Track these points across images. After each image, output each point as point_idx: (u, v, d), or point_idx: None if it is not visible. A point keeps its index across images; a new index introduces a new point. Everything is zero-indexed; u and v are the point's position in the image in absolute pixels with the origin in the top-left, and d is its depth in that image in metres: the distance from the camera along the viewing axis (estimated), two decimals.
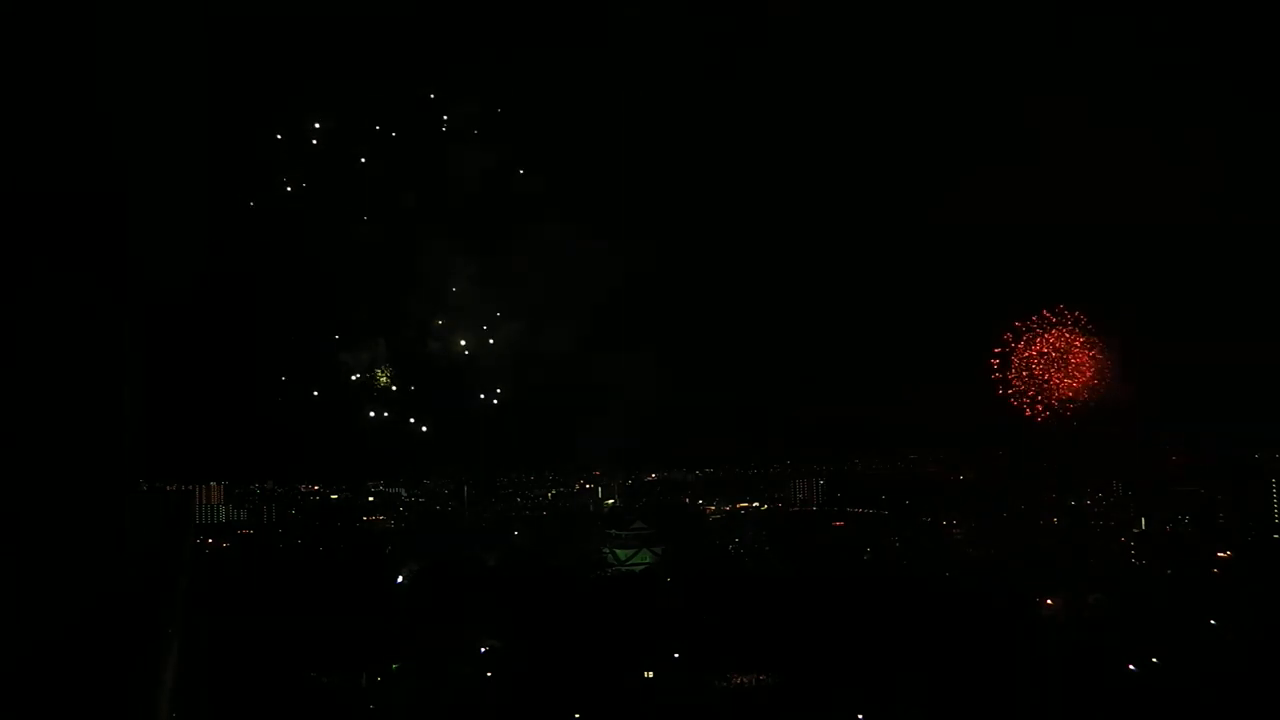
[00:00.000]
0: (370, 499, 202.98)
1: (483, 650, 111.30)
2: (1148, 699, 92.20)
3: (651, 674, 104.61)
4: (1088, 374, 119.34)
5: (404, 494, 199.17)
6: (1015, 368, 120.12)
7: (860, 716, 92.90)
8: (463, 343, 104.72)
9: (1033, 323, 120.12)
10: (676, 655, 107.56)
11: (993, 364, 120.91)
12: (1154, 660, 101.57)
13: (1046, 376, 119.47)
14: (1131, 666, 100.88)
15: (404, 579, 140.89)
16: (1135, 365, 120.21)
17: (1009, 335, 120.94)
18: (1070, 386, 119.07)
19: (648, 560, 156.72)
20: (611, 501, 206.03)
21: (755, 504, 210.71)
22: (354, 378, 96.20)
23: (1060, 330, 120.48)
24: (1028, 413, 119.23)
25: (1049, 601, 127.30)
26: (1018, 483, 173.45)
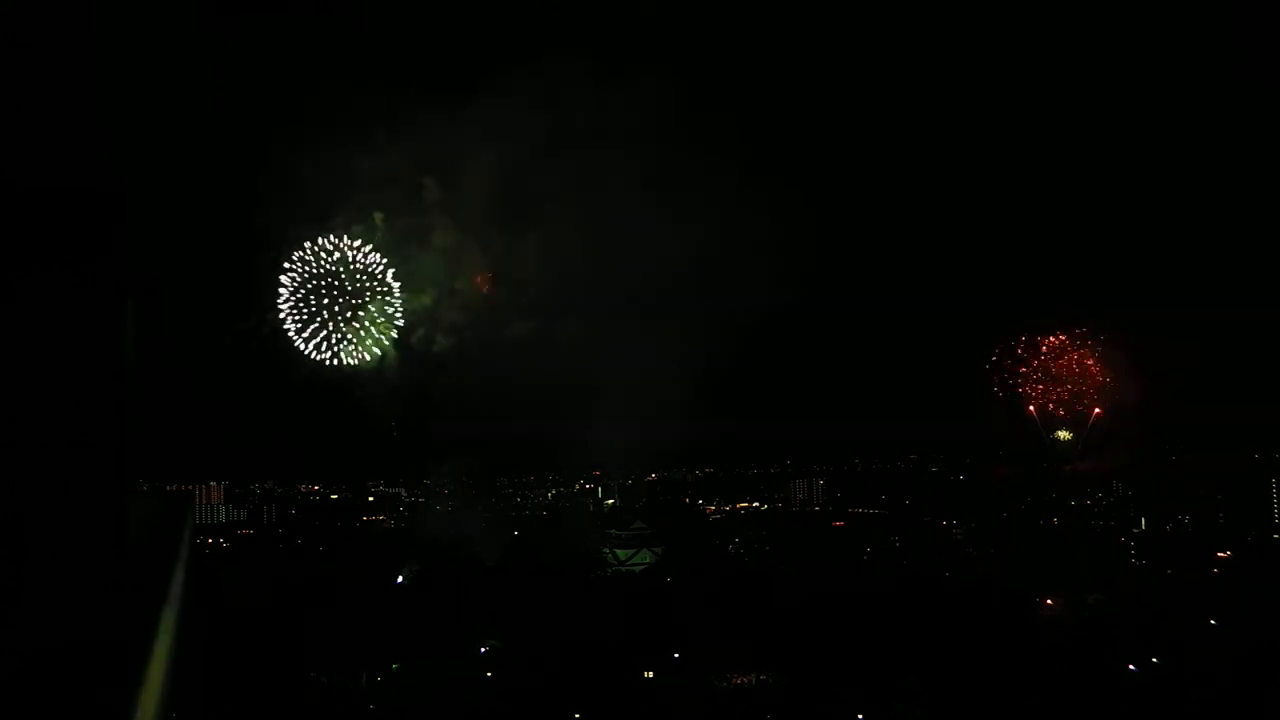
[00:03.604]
0: (370, 499, 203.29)
1: (483, 650, 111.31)
2: (1148, 699, 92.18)
3: (651, 674, 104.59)
4: (1097, 378, 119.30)
5: (404, 494, 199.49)
6: (1027, 372, 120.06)
7: (860, 716, 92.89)
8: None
9: (1051, 341, 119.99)
10: (676, 655, 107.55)
11: (1005, 367, 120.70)
12: (1154, 660, 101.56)
13: (1061, 378, 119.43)
14: (1131, 666, 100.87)
15: (404, 579, 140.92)
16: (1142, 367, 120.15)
17: (1021, 340, 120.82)
18: (1083, 389, 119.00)
19: (648, 560, 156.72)
20: (611, 501, 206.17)
21: (755, 504, 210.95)
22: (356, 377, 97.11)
23: (1069, 337, 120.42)
24: (1051, 409, 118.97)
25: (1049, 601, 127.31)
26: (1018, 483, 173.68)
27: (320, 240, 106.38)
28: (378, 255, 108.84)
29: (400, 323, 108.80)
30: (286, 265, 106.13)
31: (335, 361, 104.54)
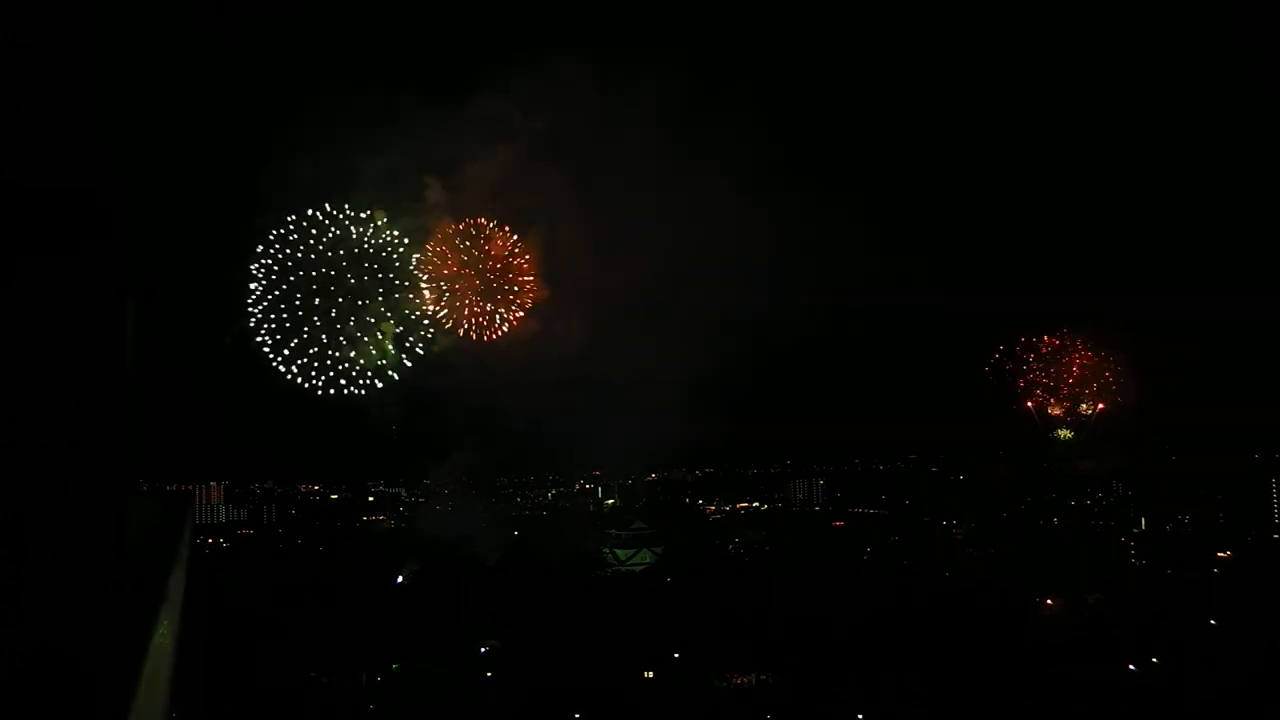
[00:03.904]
0: (370, 499, 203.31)
1: (483, 650, 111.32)
2: (1148, 699, 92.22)
3: (651, 674, 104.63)
4: (1100, 379, 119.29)
5: (404, 494, 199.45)
6: (1026, 373, 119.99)
7: (860, 716, 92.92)
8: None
9: (1051, 341, 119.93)
10: (676, 655, 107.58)
11: (1005, 367, 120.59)
12: (1154, 660, 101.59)
13: (1059, 377, 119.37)
14: (1131, 666, 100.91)
15: (404, 579, 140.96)
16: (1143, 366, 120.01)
17: (1021, 340, 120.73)
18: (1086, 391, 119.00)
19: (648, 560, 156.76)
20: (611, 501, 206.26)
21: (755, 504, 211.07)
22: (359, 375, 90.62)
23: (1069, 336, 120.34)
24: (1051, 409, 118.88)
25: (1049, 601, 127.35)
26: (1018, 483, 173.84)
27: (311, 212, 77.66)
28: (393, 234, 79.42)
29: (429, 334, 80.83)
30: (260, 248, 77.85)
31: (333, 391, 77.93)
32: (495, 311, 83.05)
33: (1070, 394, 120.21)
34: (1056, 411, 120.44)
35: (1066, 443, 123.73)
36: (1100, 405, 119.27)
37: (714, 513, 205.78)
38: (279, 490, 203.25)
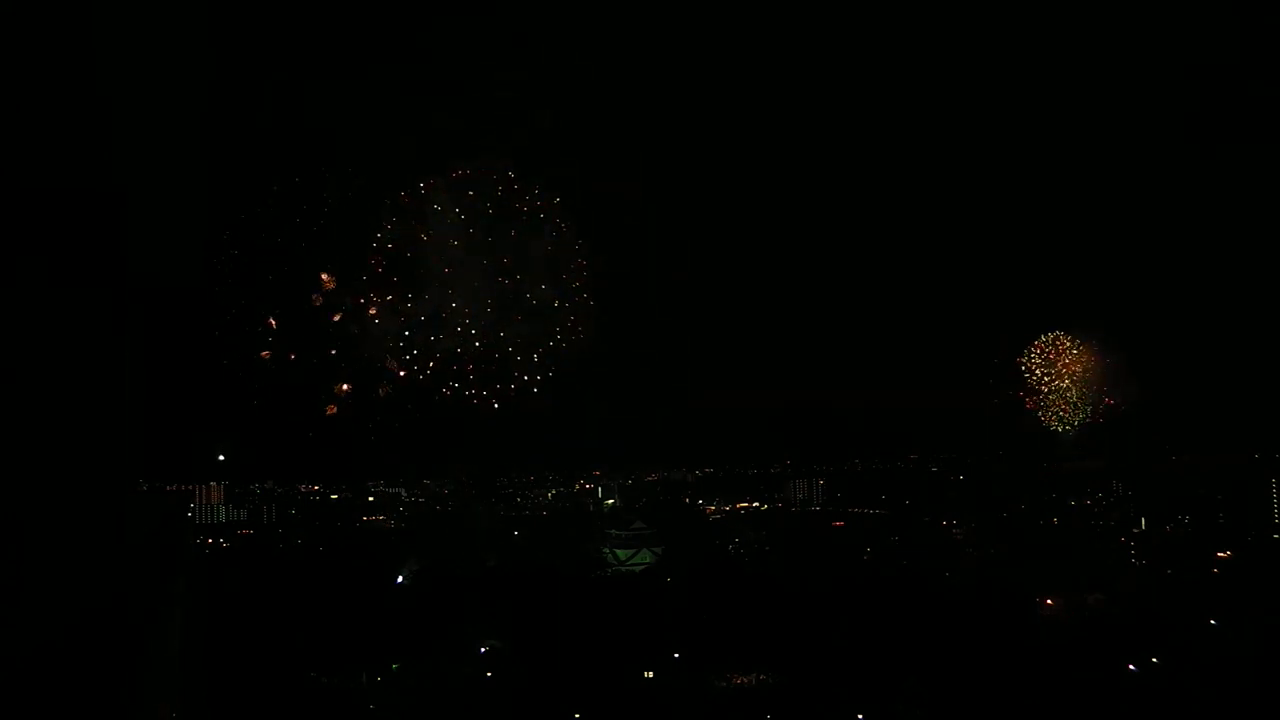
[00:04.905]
0: (370, 499, 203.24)
1: (483, 650, 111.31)
2: (1148, 699, 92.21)
3: (651, 674, 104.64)
4: (1098, 380, 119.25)
5: (404, 494, 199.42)
6: (1026, 373, 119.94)
7: (860, 716, 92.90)
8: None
9: (1051, 342, 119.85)
10: (676, 655, 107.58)
11: (1007, 367, 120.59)
12: (1154, 660, 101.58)
13: (1059, 381, 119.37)
14: (1131, 666, 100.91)
15: (404, 579, 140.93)
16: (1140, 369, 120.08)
17: (1023, 340, 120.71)
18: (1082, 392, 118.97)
19: (648, 560, 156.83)
20: (611, 501, 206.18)
21: (755, 504, 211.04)
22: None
23: (1069, 337, 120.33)
24: (1043, 418, 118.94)
25: (1049, 601, 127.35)
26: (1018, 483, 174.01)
27: (298, 179, 53.86)
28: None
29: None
30: (227, 234, 55.38)
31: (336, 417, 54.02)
32: (512, 352, 56.43)
33: (1072, 394, 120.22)
34: (1056, 412, 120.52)
35: (1067, 442, 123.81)
36: (1102, 407, 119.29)
37: (714, 513, 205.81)
38: (279, 490, 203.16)
